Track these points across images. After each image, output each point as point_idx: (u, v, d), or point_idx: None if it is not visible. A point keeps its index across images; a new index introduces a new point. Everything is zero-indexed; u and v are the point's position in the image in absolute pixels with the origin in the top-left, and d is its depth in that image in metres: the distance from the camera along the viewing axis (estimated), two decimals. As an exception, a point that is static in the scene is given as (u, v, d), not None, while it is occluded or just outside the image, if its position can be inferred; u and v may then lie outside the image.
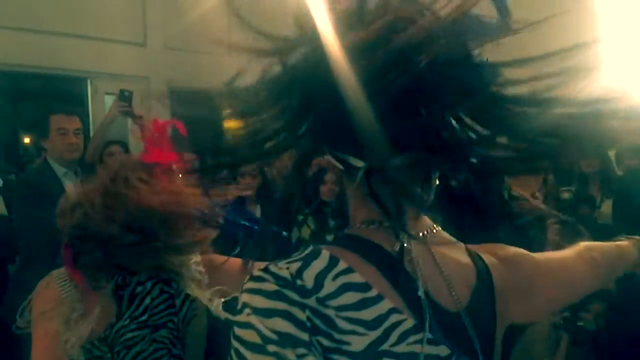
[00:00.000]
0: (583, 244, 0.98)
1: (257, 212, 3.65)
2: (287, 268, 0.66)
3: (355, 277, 0.66)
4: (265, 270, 0.66)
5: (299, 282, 0.64)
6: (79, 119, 2.99)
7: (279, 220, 0.77)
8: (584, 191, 3.33)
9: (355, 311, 0.65)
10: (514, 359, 2.78)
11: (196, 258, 1.33)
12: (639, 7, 4.49)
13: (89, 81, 5.66)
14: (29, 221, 2.78)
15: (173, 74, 6.12)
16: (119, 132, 5.03)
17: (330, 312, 0.64)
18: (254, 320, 0.62)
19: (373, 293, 0.66)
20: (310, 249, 0.69)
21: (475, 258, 0.79)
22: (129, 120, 4.10)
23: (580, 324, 2.65)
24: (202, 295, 1.28)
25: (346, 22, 0.68)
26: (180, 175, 1.34)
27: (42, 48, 5.14)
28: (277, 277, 0.65)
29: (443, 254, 0.75)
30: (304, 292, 0.64)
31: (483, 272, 0.78)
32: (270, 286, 0.64)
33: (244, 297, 0.64)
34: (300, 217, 3.42)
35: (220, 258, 1.37)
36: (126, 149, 4.17)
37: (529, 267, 0.85)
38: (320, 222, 3.28)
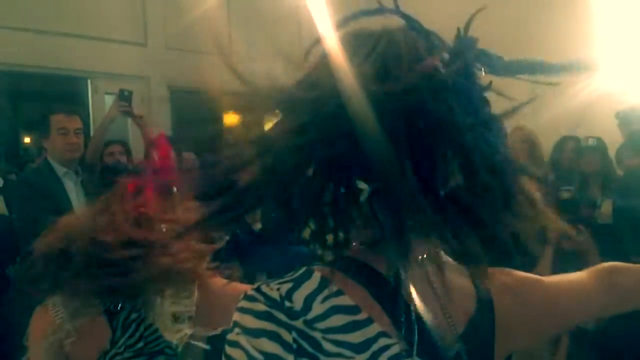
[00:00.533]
0: (607, 266, 0.92)
1: (258, 211, 3.65)
2: (278, 289, 0.66)
3: (345, 300, 0.66)
4: (257, 289, 0.66)
5: (287, 303, 0.65)
6: (79, 119, 2.99)
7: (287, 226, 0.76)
8: (584, 191, 3.33)
9: (343, 334, 0.65)
10: (514, 359, 2.78)
11: (184, 292, 1.31)
12: (639, 7, 4.48)
13: (89, 81, 5.67)
14: (29, 221, 2.78)
15: (173, 73, 6.13)
16: (120, 132, 5.03)
17: (317, 335, 0.64)
18: (242, 339, 0.63)
19: (362, 316, 0.66)
20: (303, 269, 0.69)
21: (477, 284, 0.78)
22: (129, 120, 4.10)
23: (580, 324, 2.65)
24: (170, 330, 1.28)
25: (370, 75, 0.66)
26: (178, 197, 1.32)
27: (42, 48, 5.14)
28: (267, 298, 0.65)
29: (441, 279, 0.74)
30: (291, 313, 0.64)
31: (484, 300, 0.77)
32: (260, 306, 0.65)
33: (236, 316, 0.65)
34: (301, 217, 3.41)
35: (218, 282, 1.35)
36: (127, 149, 4.17)
37: (536, 298, 0.82)
38: (320, 222, 3.27)
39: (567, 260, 2.93)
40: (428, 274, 0.74)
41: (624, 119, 3.74)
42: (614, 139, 3.61)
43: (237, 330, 0.64)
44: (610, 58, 4.67)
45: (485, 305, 0.77)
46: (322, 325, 0.65)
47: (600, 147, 3.47)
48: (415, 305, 0.69)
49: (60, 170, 2.89)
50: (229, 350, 0.64)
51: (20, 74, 5.38)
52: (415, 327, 0.68)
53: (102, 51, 5.52)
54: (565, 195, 2.91)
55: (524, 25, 4.81)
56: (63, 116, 2.91)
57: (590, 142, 3.51)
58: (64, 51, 5.29)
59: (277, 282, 0.67)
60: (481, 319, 0.75)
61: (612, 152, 3.54)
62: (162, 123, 5.82)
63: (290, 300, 0.65)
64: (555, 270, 2.92)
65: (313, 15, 5.41)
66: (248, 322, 0.64)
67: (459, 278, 0.77)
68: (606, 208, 3.29)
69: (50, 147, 2.92)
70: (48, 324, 1.28)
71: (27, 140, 5.70)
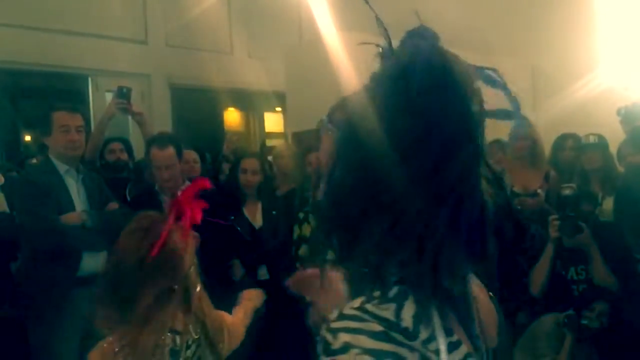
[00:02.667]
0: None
1: (259, 209, 3.65)
2: (386, 309, 0.64)
3: (439, 321, 0.66)
4: (362, 309, 0.64)
5: (402, 324, 0.63)
6: (81, 116, 2.99)
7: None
8: (585, 188, 3.32)
9: (447, 355, 0.65)
10: (516, 357, 2.78)
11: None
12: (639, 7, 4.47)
13: (90, 78, 5.67)
14: (31, 218, 2.78)
15: (174, 71, 6.13)
16: (120, 129, 5.04)
17: (432, 356, 0.64)
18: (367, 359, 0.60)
19: (454, 338, 0.67)
20: (395, 289, 0.67)
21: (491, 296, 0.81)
22: (130, 117, 4.09)
23: (584, 322, 2.65)
24: None
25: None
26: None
27: (43, 46, 5.14)
28: (379, 318, 0.63)
29: (477, 294, 0.76)
30: (408, 334, 0.63)
31: (497, 309, 0.81)
32: (375, 326, 0.62)
33: (344, 337, 0.62)
34: (301, 215, 3.42)
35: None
36: (127, 146, 4.17)
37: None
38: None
39: (568, 258, 2.93)
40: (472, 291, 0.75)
41: (625, 116, 3.73)
42: (615, 135, 3.60)
43: (355, 350, 0.60)
44: (612, 54, 4.66)
45: (501, 317, 0.79)
46: (432, 346, 0.64)
47: (601, 144, 3.47)
48: (477, 323, 0.71)
49: (61, 167, 2.88)
50: None
51: (21, 72, 5.38)
52: (484, 346, 0.70)
53: (102, 49, 5.52)
54: (566, 192, 2.91)
55: (525, 25, 4.80)
56: (65, 113, 2.91)
57: (592, 139, 3.50)
58: (64, 49, 5.29)
59: (376, 301, 0.65)
60: (503, 331, 0.78)
61: (613, 149, 3.53)
62: (162, 120, 5.82)
63: (403, 321, 0.63)
64: (555, 268, 2.93)
65: (313, 12, 5.40)
66: (366, 343, 0.61)
67: (483, 293, 0.79)
68: (607, 205, 3.28)
69: (51, 145, 2.91)
70: None
71: (27, 138, 5.70)
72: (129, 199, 3.50)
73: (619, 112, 3.76)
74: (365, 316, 0.63)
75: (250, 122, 7.60)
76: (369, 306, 0.64)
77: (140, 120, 3.77)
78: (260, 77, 6.29)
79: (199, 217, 1.41)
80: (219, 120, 6.90)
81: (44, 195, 2.78)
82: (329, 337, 0.62)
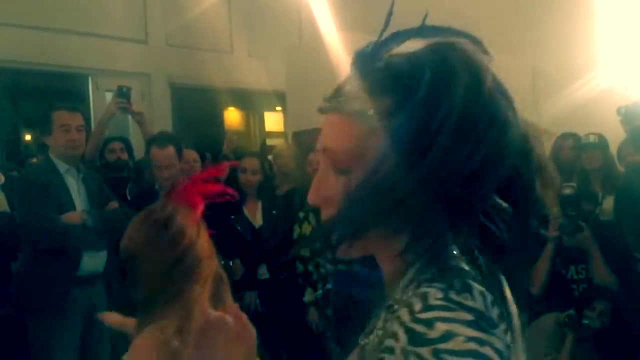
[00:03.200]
0: None
1: (259, 208, 3.65)
2: (469, 298, 0.63)
3: (496, 311, 0.67)
4: (448, 299, 0.63)
5: (486, 313, 0.63)
6: (81, 116, 2.99)
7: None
8: (585, 187, 3.32)
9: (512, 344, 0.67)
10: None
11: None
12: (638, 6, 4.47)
13: (90, 78, 5.67)
14: (31, 218, 2.78)
15: (174, 70, 6.13)
16: (120, 129, 5.04)
17: (507, 345, 0.65)
18: (473, 346, 0.59)
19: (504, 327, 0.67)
20: (457, 281, 0.66)
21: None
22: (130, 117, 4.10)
23: (585, 322, 2.65)
24: None
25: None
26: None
27: (43, 45, 5.14)
28: (467, 308, 0.62)
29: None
30: (492, 324, 0.62)
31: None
32: (466, 316, 0.61)
33: (442, 326, 0.60)
34: (302, 215, 3.42)
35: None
36: (127, 146, 4.17)
37: None
38: (321, 219, 3.28)
39: (568, 257, 2.93)
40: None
41: (626, 115, 3.73)
42: (615, 135, 3.60)
43: (461, 338, 0.59)
44: (611, 54, 4.66)
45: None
46: (506, 336, 0.66)
47: (601, 144, 3.47)
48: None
49: (62, 167, 2.89)
50: None
51: (20, 71, 5.38)
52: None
53: (102, 48, 5.52)
54: (566, 191, 2.91)
55: (526, 24, 4.80)
56: (65, 113, 2.91)
57: (592, 138, 3.50)
58: (64, 48, 5.29)
59: (453, 291, 0.64)
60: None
61: (613, 149, 3.53)
62: (162, 120, 5.82)
63: (486, 310, 0.64)
64: (555, 267, 2.93)
65: (314, 12, 5.40)
66: (465, 331, 0.60)
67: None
68: (607, 204, 3.29)
69: (52, 144, 2.92)
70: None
71: (28, 137, 5.71)
72: (129, 198, 3.50)
73: (619, 112, 3.76)
74: (454, 306, 0.62)
75: (250, 122, 7.60)
76: (453, 296, 0.63)
77: (140, 119, 3.77)
78: (260, 77, 6.29)
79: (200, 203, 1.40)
80: (219, 120, 6.90)
81: (44, 195, 2.78)
82: (420, 327, 0.60)
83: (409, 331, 0.61)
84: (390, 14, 0.71)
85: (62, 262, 2.78)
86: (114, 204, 3.05)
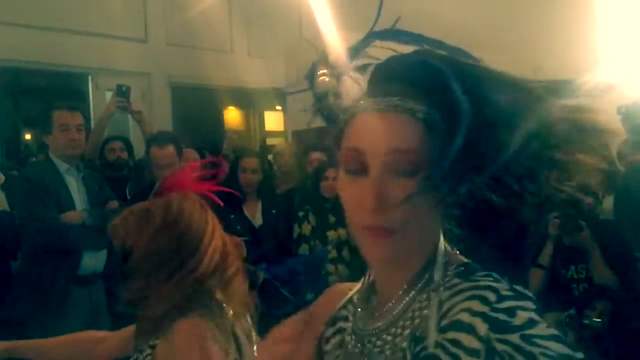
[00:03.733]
0: None
1: (258, 207, 3.65)
2: (523, 289, 0.67)
3: None
4: (514, 290, 0.66)
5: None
6: (81, 115, 2.99)
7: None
8: (585, 187, 3.31)
9: None
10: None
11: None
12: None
13: (90, 77, 5.67)
14: (31, 217, 2.78)
15: (174, 70, 6.12)
16: (120, 128, 5.04)
17: None
18: (554, 330, 0.62)
19: None
20: (484, 273, 0.70)
21: None
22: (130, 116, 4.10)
23: (585, 321, 2.65)
24: None
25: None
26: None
27: (43, 44, 5.14)
28: (529, 297, 0.66)
29: None
30: (540, 313, 0.65)
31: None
32: (531, 305, 0.65)
33: (524, 314, 0.63)
34: (301, 214, 3.42)
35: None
36: (127, 145, 4.17)
37: None
38: (320, 218, 3.28)
39: (568, 256, 2.93)
40: None
41: (626, 114, 3.72)
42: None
43: (544, 325, 0.62)
44: (612, 53, 4.66)
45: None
46: None
47: (601, 143, 3.46)
48: None
49: (62, 166, 2.89)
50: (546, 343, 0.60)
51: (21, 70, 5.38)
52: None
53: (102, 47, 5.52)
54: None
55: (526, 23, 4.80)
56: (65, 112, 2.91)
57: (592, 137, 3.50)
58: (64, 47, 5.28)
59: (502, 283, 0.67)
60: None
61: (613, 148, 3.53)
62: (162, 119, 5.82)
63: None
64: (555, 266, 2.93)
65: (314, 11, 5.39)
66: (539, 318, 0.63)
67: None
68: (607, 204, 3.28)
69: (52, 143, 2.92)
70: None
71: (27, 136, 5.71)
72: (129, 197, 3.50)
73: (619, 111, 3.75)
74: (520, 296, 0.65)
75: (250, 121, 7.60)
76: (516, 287, 0.67)
77: (139, 118, 3.77)
78: (260, 76, 6.29)
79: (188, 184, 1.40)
80: (219, 119, 6.90)
81: (44, 194, 2.78)
82: (501, 316, 0.62)
83: (490, 320, 0.62)
84: (378, 14, 0.72)
85: (62, 261, 2.78)
86: (113, 203, 3.05)
